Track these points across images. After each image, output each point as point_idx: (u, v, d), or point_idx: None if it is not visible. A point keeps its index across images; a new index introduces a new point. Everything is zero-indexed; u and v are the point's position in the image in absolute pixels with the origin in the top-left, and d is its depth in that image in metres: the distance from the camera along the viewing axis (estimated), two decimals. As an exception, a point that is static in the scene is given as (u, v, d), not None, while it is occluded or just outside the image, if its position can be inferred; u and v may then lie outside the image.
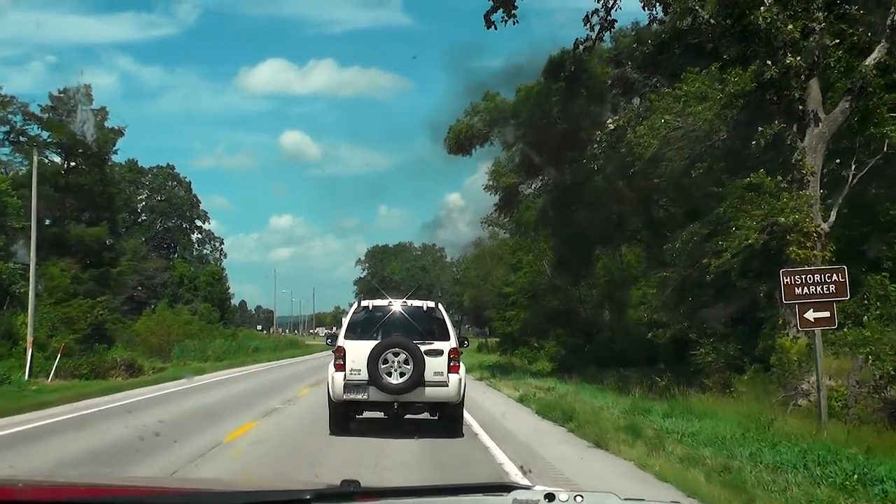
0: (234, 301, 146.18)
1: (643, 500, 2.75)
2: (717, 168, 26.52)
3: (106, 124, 68.45)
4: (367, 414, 17.54)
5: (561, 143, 36.17)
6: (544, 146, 36.85)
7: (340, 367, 16.43)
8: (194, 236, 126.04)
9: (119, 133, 68.18)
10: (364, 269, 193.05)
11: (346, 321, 17.52)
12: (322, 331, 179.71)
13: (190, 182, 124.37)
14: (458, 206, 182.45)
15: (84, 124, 60.06)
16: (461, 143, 39.22)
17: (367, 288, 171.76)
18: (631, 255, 42.66)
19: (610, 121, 28.15)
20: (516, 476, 12.63)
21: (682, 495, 10.95)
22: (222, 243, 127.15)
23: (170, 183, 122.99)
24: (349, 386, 16.27)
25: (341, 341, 16.83)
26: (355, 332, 16.92)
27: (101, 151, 66.95)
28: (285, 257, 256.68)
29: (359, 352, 16.29)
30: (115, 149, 68.01)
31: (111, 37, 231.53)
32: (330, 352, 18.09)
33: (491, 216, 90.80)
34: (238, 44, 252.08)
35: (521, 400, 25.23)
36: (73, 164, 65.51)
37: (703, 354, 26.51)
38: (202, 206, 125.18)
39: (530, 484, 3.54)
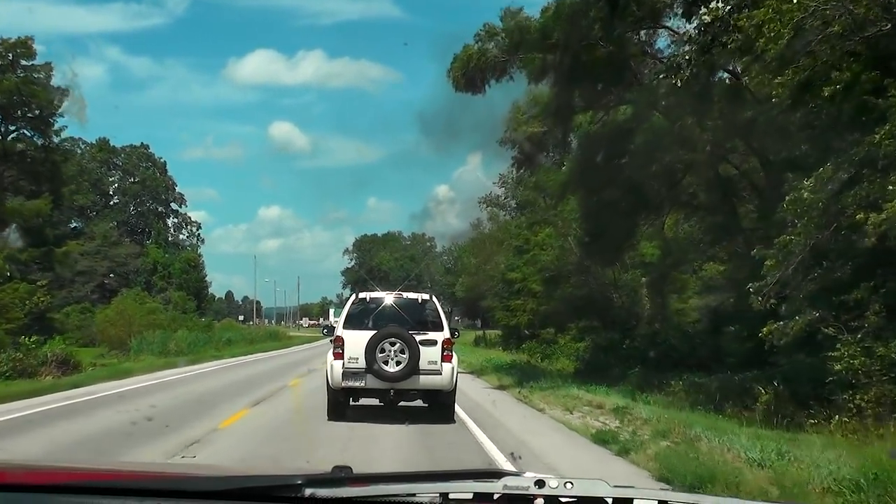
0: (214, 290, 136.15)
1: (633, 486, 2.59)
2: (867, 79, 17.21)
3: (52, 83, 58.34)
4: (363, 400, 17.61)
5: (603, 75, 27.07)
6: (581, 79, 27.42)
7: (339, 356, 16.63)
8: (170, 220, 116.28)
9: (65, 93, 58.23)
10: (352, 260, 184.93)
11: (343, 312, 17.73)
12: (307, 321, 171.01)
13: (165, 163, 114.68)
14: (447, 198, 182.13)
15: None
16: (470, 75, 29.35)
17: (355, 279, 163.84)
18: (679, 229, 33.44)
19: (704, 12, 18.70)
20: (506, 463, 12.40)
21: None
22: (199, 228, 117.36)
23: (144, 164, 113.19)
24: (347, 373, 16.48)
25: (340, 331, 17.03)
26: (353, 322, 17.12)
27: (42, 114, 57.09)
28: (273, 248, 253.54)
29: (357, 341, 16.54)
30: (59, 111, 58.22)
31: (100, 27, 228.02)
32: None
33: (489, 197, 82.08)
34: (227, 34, 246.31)
35: (602, 441, 14.50)
36: (12, 127, 55.88)
37: (846, 357, 17.22)
38: (178, 189, 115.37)
39: (520, 470, 3.44)
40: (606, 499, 2.47)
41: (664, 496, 2.57)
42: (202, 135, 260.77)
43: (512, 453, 13.06)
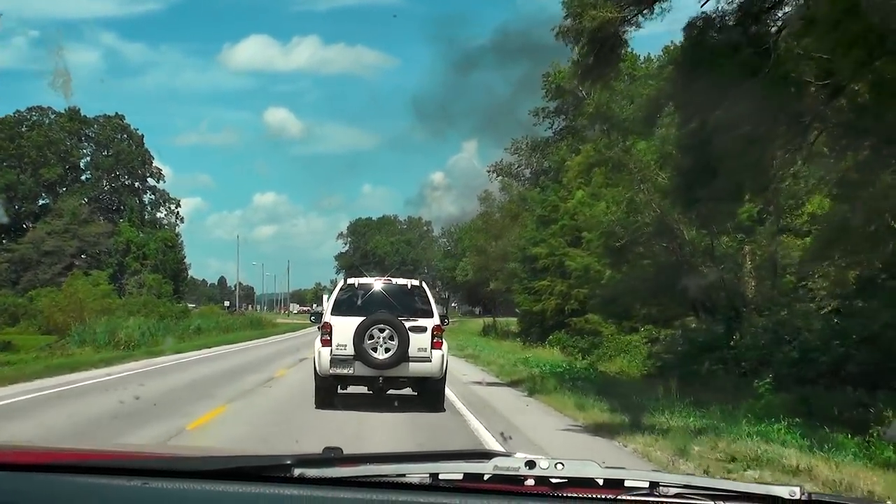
0: (208, 277, 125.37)
1: (623, 468, 2.50)
2: None
3: None
4: (351, 388, 17.03)
5: None
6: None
7: (327, 343, 16.06)
8: (147, 197, 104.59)
9: None
10: (346, 244, 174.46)
11: (332, 298, 17.02)
12: (296, 307, 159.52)
13: (143, 135, 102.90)
14: (442, 185, 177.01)
15: None
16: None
17: (348, 264, 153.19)
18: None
19: None
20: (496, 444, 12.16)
21: None
22: (178, 205, 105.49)
23: (119, 135, 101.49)
24: (335, 361, 15.97)
25: (328, 317, 16.39)
26: (341, 308, 16.45)
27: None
28: (268, 235, 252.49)
29: (345, 328, 15.95)
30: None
31: (94, 12, 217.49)
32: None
33: (499, 165, 70.66)
34: (222, 20, 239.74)
35: None
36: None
37: None
38: (155, 163, 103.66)
39: (511, 451, 2.92)
40: (597, 479, 2.41)
41: (655, 477, 2.45)
42: (196, 120, 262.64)
43: (502, 433, 12.73)
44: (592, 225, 41.70)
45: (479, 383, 21.75)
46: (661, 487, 2.40)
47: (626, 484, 2.42)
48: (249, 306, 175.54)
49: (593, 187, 44.64)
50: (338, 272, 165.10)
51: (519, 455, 2.48)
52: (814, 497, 2.38)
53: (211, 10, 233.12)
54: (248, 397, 18.88)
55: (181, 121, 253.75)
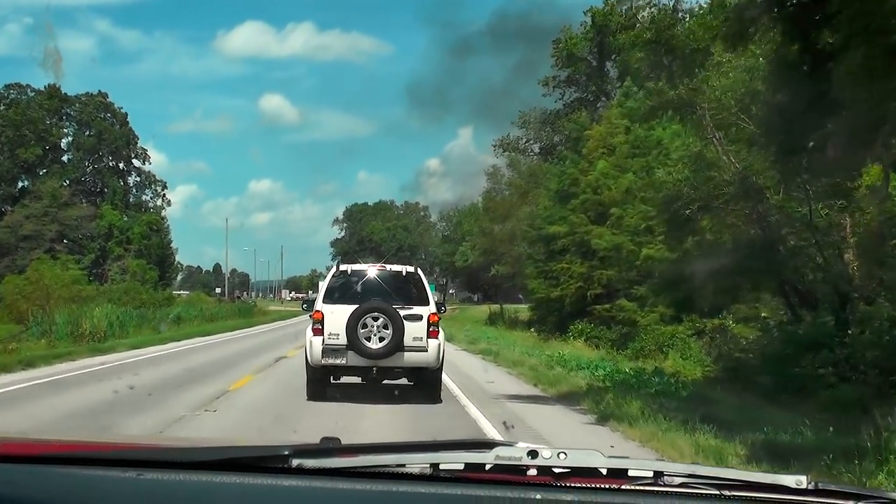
0: (203, 263, 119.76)
1: (627, 457, 2.47)
2: None
3: None
4: (344, 379, 16.04)
5: None
6: None
7: (319, 332, 15.21)
8: (132, 179, 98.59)
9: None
10: (342, 230, 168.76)
11: (324, 285, 16.12)
12: (289, 294, 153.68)
13: (126, 114, 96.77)
14: (438, 171, 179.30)
15: None
16: None
17: (344, 250, 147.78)
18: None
19: None
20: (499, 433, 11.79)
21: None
22: (165, 187, 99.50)
23: (102, 114, 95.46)
24: (327, 350, 15.11)
25: (319, 305, 15.53)
26: (333, 296, 15.60)
27: None
28: (264, 222, 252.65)
29: (337, 316, 15.13)
30: None
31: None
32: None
33: (505, 140, 64.68)
34: (217, 6, 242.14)
35: None
36: None
37: None
38: (141, 143, 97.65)
39: (513, 440, 3.03)
40: (601, 469, 2.36)
41: (659, 466, 2.40)
42: (191, 108, 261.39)
43: (504, 422, 12.42)
44: (619, 199, 36.12)
45: (516, 398, 15.97)
46: (665, 476, 2.35)
47: (630, 473, 2.36)
48: (245, 293, 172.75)
49: (618, 157, 39.02)
50: (333, 258, 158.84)
51: (521, 444, 2.44)
52: (820, 486, 2.31)
53: None
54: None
55: (176, 108, 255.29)
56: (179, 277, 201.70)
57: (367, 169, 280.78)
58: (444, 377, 16.82)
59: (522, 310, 58.69)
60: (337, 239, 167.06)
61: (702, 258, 17.93)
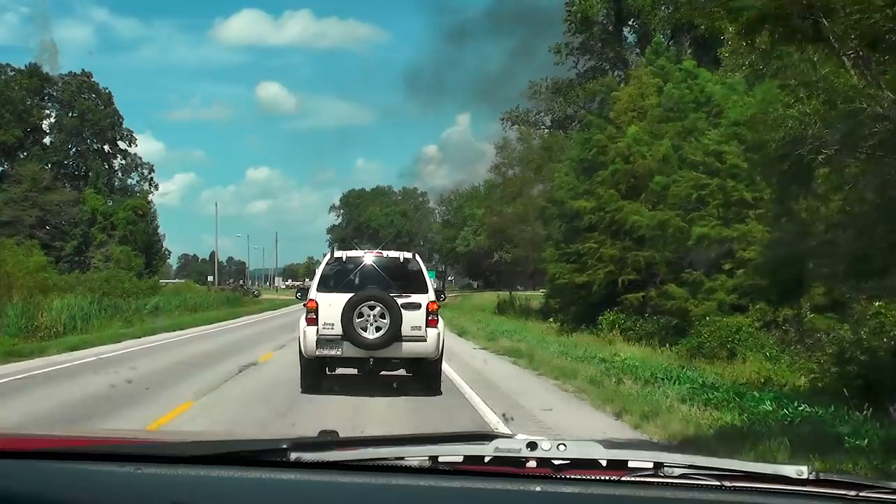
0: (199, 252, 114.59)
1: (628, 448, 2.62)
2: None
3: None
4: (340, 370, 15.38)
5: None
6: None
7: (313, 322, 14.44)
8: (117, 162, 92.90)
9: None
10: (339, 216, 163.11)
11: (318, 273, 15.44)
12: (280, 282, 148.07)
13: (111, 94, 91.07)
14: (436, 158, 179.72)
15: None
16: None
17: (341, 237, 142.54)
18: None
19: None
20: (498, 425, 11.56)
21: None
22: (152, 171, 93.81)
23: (85, 94, 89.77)
24: (322, 341, 14.37)
25: (313, 294, 14.73)
26: (328, 284, 14.88)
27: None
28: (262, 210, 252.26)
29: (332, 305, 14.37)
30: None
31: None
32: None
33: (513, 113, 58.73)
34: None
35: None
36: None
37: None
38: (126, 125, 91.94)
39: (512, 432, 3.31)
40: (600, 461, 2.35)
41: (659, 457, 2.35)
42: (189, 96, 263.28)
43: (504, 414, 12.15)
44: (654, 169, 30.66)
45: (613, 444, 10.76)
46: (665, 468, 2.33)
47: (630, 465, 2.34)
48: (247, 282, 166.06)
49: (649, 121, 33.55)
50: (330, 245, 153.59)
51: (520, 436, 2.43)
52: (821, 476, 2.28)
53: None
54: None
55: (173, 96, 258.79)
56: (175, 266, 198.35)
57: (364, 156, 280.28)
58: (480, 403, 14.06)
59: (534, 297, 53.20)
60: (334, 226, 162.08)
61: (836, 225, 12.45)
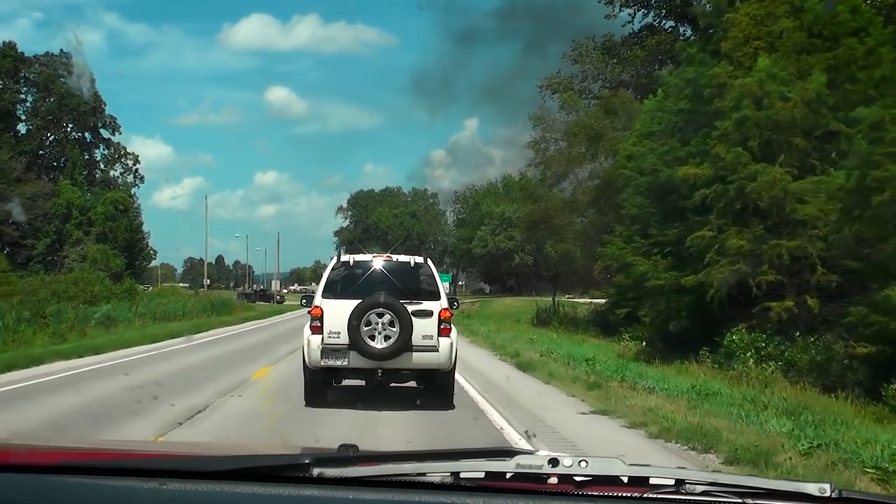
0: (205, 255, 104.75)
1: (649, 464, 2.42)
2: None
3: None
4: (346, 382, 14.36)
5: None
6: None
7: (317, 330, 13.36)
8: (99, 152, 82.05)
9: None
10: (346, 218, 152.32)
11: (323, 278, 14.31)
12: (282, 286, 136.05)
13: (93, 78, 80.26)
14: (443, 162, 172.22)
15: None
16: None
17: (349, 239, 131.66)
18: None
19: None
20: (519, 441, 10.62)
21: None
22: (137, 162, 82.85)
23: (63, 77, 78.97)
24: (327, 351, 13.28)
25: (318, 300, 13.65)
26: (334, 290, 13.76)
27: None
28: (270, 214, 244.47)
29: (338, 312, 13.30)
30: None
31: None
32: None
33: (553, 79, 47.26)
34: (224, 0, 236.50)
35: None
36: None
37: None
38: (108, 111, 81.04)
39: (533, 449, 3.14)
40: (622, 477, 2.31)
41: (681, 474, 2.32)
42: (198, 100, 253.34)
43: (526, 431, 11.28)
44: (799, 117, 19.60)
45: None
46: (687, 485, 2.29)
47: (652, 482, 2.32)
48: (262, 287, 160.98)
49: (783, 53, 22.51)
50: (337, 249, 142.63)
51: (542, 453, 2.39)
52: (844, 494, 2.22)
53: None
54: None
55: (182, 101, 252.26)
56: (181, 269, 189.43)
57: (373, 160, 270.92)
58: None
59: (582, 305, 42.10)
60: (342, 228, 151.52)
61: None
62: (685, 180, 22.07)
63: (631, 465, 2.30)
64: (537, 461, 2.28)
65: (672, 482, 2.26)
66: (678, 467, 3.75)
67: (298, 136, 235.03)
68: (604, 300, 42.16)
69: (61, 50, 79.51)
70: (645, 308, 25.90)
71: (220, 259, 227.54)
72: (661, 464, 7.99)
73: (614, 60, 42.23)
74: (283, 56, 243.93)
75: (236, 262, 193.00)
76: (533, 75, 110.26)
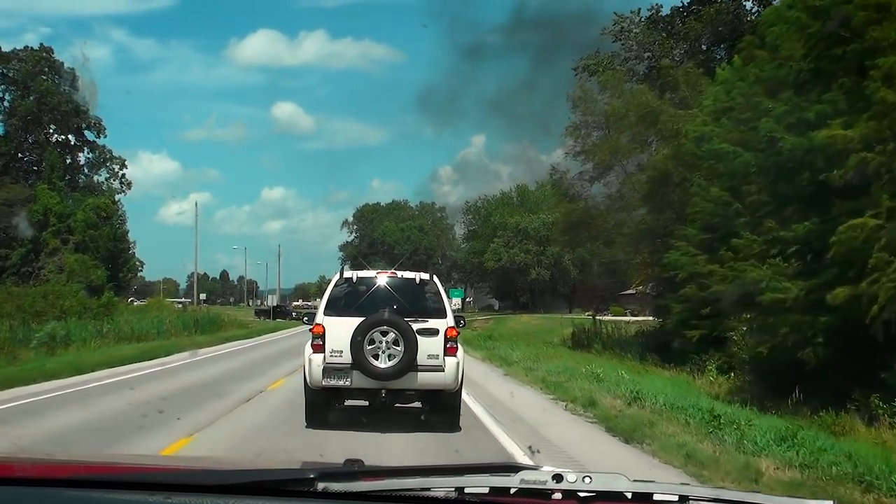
0: (209, 270, 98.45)
1: (653, 481, 2.40)
2: None
3: None
4: (349, 402, 13.57)
5: None
6: None
7: (319, 348, 12.78)
8: (83, 156, 75.19)
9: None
10: (352, 232, 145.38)
11: (325, 295, 13.73)
12: (267, 302, 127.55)
13: (77, 75, 73.51)
14: (450, 179, 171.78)
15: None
16: None
17: (353, 254, 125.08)
18: None
19: None
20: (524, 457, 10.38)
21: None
22: (124, 166, 75.92)
23: (45, 74, 72.25)
24: (329, 370, 12.69)
25: (320, 318, 13.11)
26: (337, 307, 13.15)
27: None
28: (276, 230, 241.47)
29: (340, 330, 12.71)
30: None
31: (105, 9, 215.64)
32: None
33: (591, 58, 40.13)
34: (230, 15, 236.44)
35: None
36: None
37: None
38: (92, 112, 74.16)
39: (538, 464, 2.81)
40: (626, 493, 2.29)
41: (685, 490, 2.31)
42: (204, 116, 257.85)
43: (530, 447, 10.97)
44: None
45: None
46: (690, 501, 2.28)
47: (656, 497, 2.30)
48: (278, 305, 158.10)
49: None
50: (342, 263, 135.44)
51: (546, 468, 2.35)
52: None
53: (219, 6, 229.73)
54: None
55: (189, 116, 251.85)
56: (184, 284, 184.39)
57: (380, 176, 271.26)
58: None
59: (628, 327, 34.86)
60: (346, 242, 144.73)
61: None
62: (829, 146, 14.93)
63: (635, 481, 2.26)
64: (541, 477, 2.26)
65: (676, 498, 2.25)
66: (682, 483, 3.57)
67: (305, 151, 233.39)
68: (649, 317, 35.28)
69: (41, 44, 72.83)
70: (746, 330, 18.77)
71: (224, 274, 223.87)
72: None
73: (663, 34, 35.18)
74: (289, 72, 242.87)
75: (240, 277, 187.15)
76: (541, 91, 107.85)
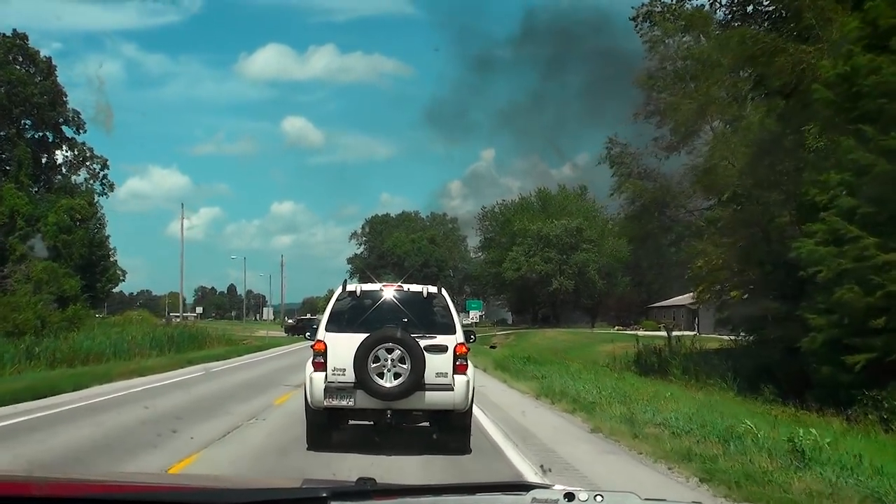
0: (216, 284, 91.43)
1: (664, 500, 2.41)
2: None
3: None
4: (353, 423, 12.92)
5: None
6: None
7: (321, 366, 12.09)
8: (61, 154, 67.47)
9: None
10: (361, 244, 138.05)
11: (327, 310, 12.87)
12: (269, 313, 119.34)
13: (54, 65, 65.97)
14: (460, 193, 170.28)
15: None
16: None
17: (362, 267, 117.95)
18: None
19: None
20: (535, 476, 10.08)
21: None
22: (106, 166, 68.12)
23: (18, 63, 64.70)
24: (331, 389, 11.99)
25: (321, 334, 12.38)
26: (339, 322, 12.45)
27: None
28: (286, 244, 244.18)
29: (343, 347, 12.04)
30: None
31: (116, 24, 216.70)
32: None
33: (653, 4, 31.54)
34: (239, 29, 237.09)
35: None
36: None
37: None
38: (71, 105, 66.53)
39: (549, 483, 2.91)
40: None
41: None
42: (214, 130, 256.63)
43: (542, 465, 10.91)
44: None
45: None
46: None
47: None
48: (258, 316, 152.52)
49: None
50: (351, 276, 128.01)
51: (558, 487, 2.32)
52: None
53: (229, 21, 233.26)
54: None
55: (199, 131, 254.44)
56: (192, 298, 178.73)
57: (389, 190, 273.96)
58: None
59: (707, 339, 26.73)
60: (355, 255, 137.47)
61: None
62: None
63: (646, 499, 2.25)
64: (553, 496, 2.24)
65: None
66: (694, 501, 3.63)
67: (315, 165, 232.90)
68: (686, 331, 27.45)
69: (14, 30, 65.24)
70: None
71: (231, 288, 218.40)
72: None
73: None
74: (299, 86, 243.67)
75: (249, 292, 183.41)
76: (550, 105, 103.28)
